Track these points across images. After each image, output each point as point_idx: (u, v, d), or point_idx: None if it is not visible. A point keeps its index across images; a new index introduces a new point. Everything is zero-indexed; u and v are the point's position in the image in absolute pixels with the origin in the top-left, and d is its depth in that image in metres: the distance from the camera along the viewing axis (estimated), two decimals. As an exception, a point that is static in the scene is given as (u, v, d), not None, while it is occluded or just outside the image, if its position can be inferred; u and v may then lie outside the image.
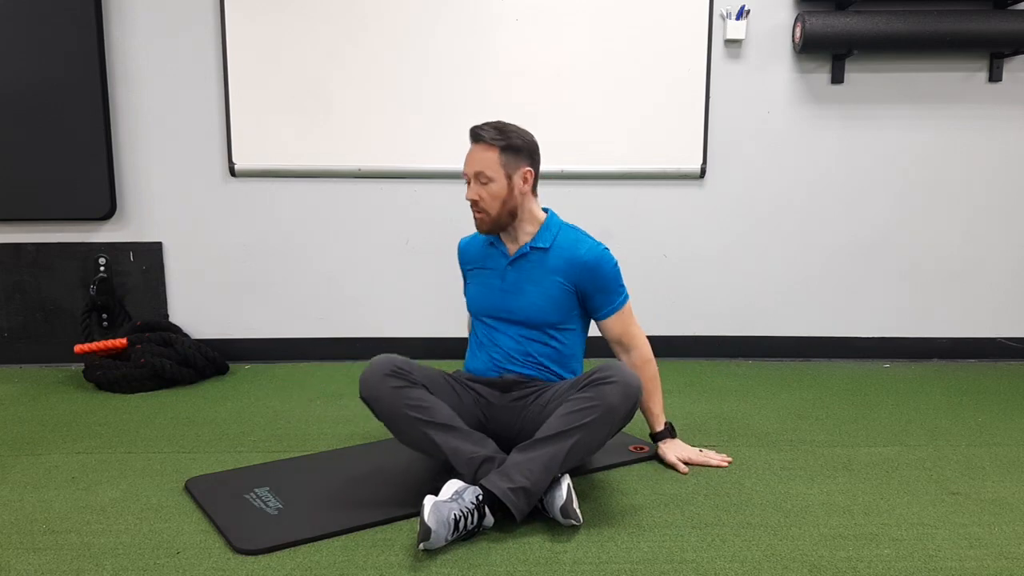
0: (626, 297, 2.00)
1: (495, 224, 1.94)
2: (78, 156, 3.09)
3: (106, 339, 2.96)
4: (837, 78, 3.19)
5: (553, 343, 1.98)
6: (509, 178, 1.90)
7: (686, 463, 2.02)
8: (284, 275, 3.29)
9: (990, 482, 1.95)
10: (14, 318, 3.22)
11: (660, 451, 2.05)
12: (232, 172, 3.19)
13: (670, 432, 2.08)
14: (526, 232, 1.97)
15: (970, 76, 3.21)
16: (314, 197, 3.23)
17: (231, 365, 3.16)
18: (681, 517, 1.73)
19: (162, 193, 3.21)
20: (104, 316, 3.21)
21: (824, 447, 2.21)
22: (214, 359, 3.04)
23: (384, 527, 1.68)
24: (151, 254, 3.23)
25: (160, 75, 3.14)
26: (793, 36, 3.15)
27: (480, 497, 1.62)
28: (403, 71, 3.14)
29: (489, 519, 1.63)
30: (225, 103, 3.13)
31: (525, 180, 1.93)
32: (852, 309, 3.34)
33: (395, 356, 1.88)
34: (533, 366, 1.98)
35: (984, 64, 3.19)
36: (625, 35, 3.14)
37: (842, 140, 3.24)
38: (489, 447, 1.81)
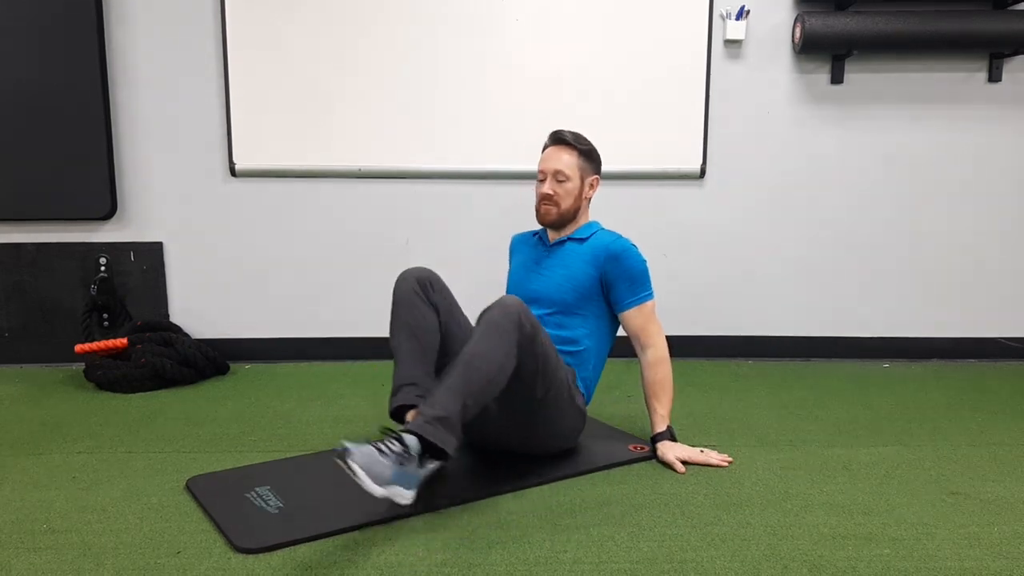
0: (649, 296, 2.09)
1: (560, 218, 2.12)
2: (79, 156, 3.09)
3: (107, 339, 2.96)
4: (837, 78, 3.19)
5: (566, 332, 2.07)
6: (582, 180, 2.12)
7: (685, 462, 2.03)
8: (284, 275, 3.29)
9: (990, 482, 1.95)
10: (14, 318, 3.23)
11: (659, 451, 2.06)
12: (233, 172, 3.19)
13: (669, 435, 2.09)
14: (571, 227, 2.16)
15: (970, 76, 3.21)
16: (314, 197, 3.24)
17: (231, 365, 3.16)
18: (681, 517, 1.74)
19: (163, 193, 3.21)
20: (105, 316, 3.21)
21: (824, 447, 2.21)
22: (214, 359, 3.04)
23: (384, 527, 1.68)
24: (152, 254, 3.23)
25: (161, 75, 3.14)
26: (793, 36, 3.16)
27: (396, 433, 1.63)
28: (404, 71, 3.14)
29: (413, 442, 1.61)
30: (226, 103, 3.13)
31: (592, 187, 2.16)
32: (852, 309, 3.35)
33: (432, 275, 2.01)
34: None
35: (984, 64, 3.20)
36: (625, 35, 3.14)
37: (842, 140, 3.24)
38: (424, 384, 1.89)
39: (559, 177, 2.08)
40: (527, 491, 1.87)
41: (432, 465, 1.67)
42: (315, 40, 3.11)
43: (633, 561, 1.54)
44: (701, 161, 3.22)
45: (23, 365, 3.23)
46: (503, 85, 3.15)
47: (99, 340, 2.98)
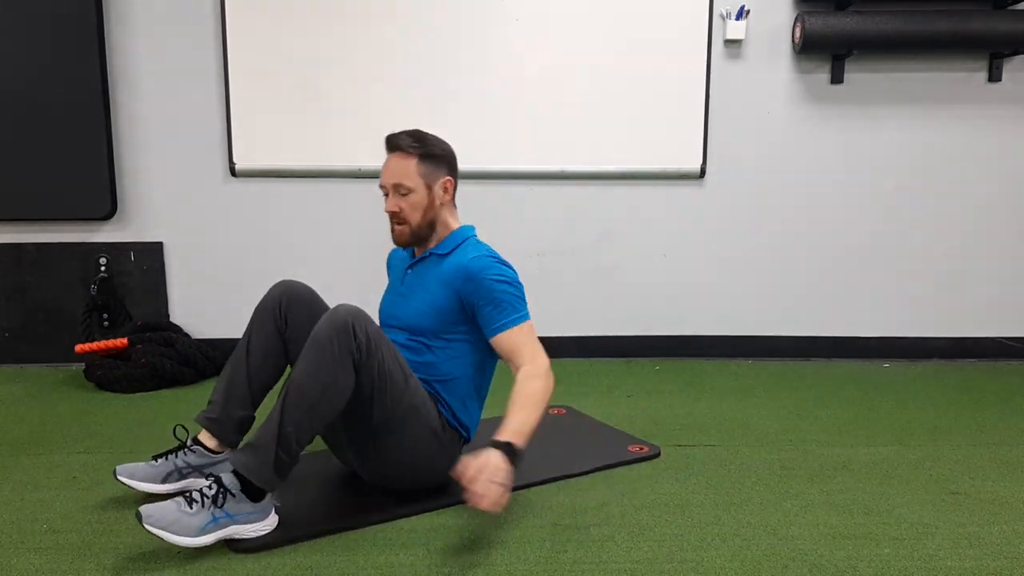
0: (520, 319, 1.76)
1: (414, 236, 1.89)
2: (79, 156, 3.09)
3: (107, 339, 2.96)
4: (837, 78, 3.19)
5: (430, 356, 1.83)
6: (429, 188, 1.86)
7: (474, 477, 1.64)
8: (284, 275, 3.27)
9: (990, 482, 1.95)
10: (15, 318, 3.23)
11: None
12: (232, 172, 3.19)
13: (504, 451, 1.56)
14: (434, 240, 1.92)
15: (970, 76, 3.21)
16: (314, 197, 3.24)
17: (231, 365, 3.16)
18: (681, 517, 1.74)
19: (163, 193, 3.21)
20: (105, 316, 3.21)
21: (824, 447, 2.21)
22: (214, 359, 3.04)
23: (384, 527, 1.68)
24: (152, 254, 3.23)
25: (161, 75, 3.14)
26: (793, 36, 3.16)
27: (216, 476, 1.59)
28: (404, 71, 3.14)
29: (230, 480, 1.57)
30: (226, 103, 3.13)
31: (445, 190, 1.88)
32: (852, 309, 3.35)
33: (293, 294, 1.93)
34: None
35: (983, 64, 3.20)
36: (625, 35, 3.14)
37: (842, 140, 3.24)
38: (235, 415, 1.86)
39: (400, 191, 1.83)
40: (527, 491, 1.87)
41: (273, 494, 1.60)
42: (315, 40, 3.11)
43: (633, 561, 1.54)
44: (701, 161, 3.22)
45: (23, 365, 3.23)
46: (503, 85, 3.15)
47: (99, 340, 2.98)
